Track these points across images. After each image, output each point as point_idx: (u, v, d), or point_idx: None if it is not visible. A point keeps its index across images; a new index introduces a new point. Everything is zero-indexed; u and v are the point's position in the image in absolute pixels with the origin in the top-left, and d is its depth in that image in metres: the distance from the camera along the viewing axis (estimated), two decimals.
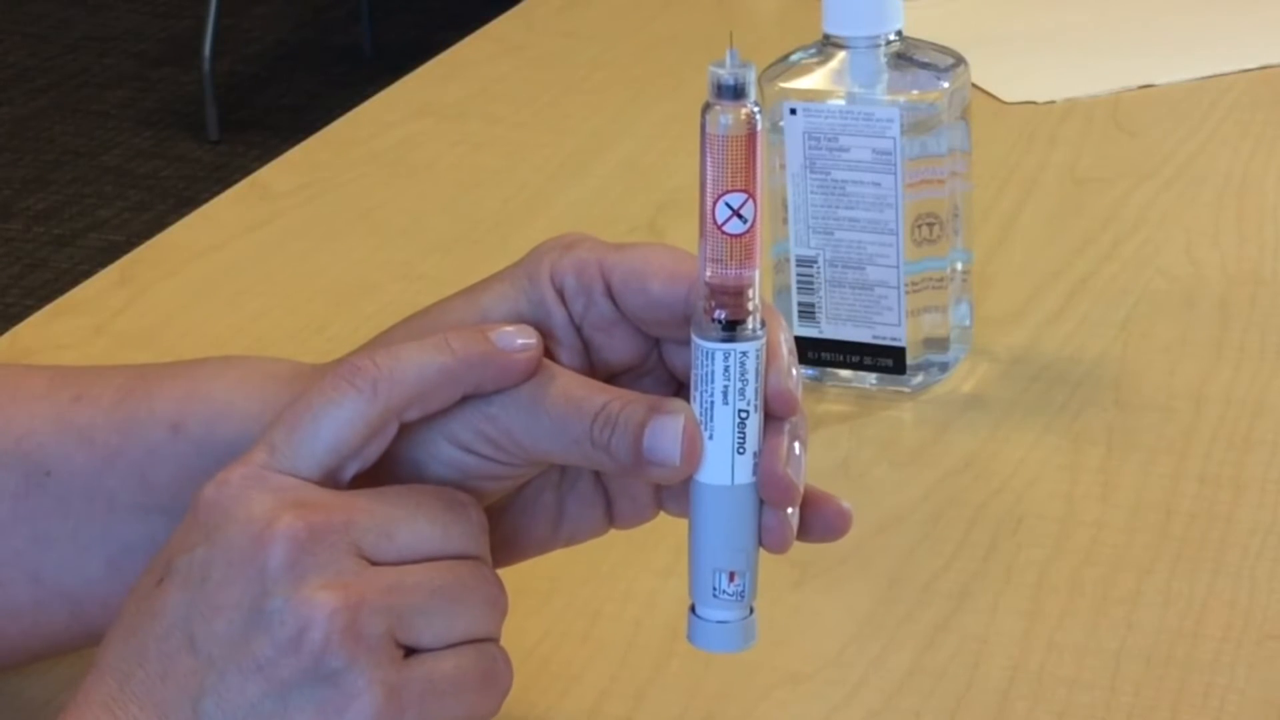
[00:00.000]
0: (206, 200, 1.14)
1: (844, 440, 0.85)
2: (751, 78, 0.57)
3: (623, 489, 0.65)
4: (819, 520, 0.62)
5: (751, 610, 0.61)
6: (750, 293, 0.58)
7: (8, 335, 0.98)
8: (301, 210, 1.10)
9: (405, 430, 0.60)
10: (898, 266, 0.87)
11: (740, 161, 0.57)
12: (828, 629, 0.73)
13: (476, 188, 1.12)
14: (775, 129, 0.87)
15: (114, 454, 0.66)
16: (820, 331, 0.89)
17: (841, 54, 0.87)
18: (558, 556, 0.66)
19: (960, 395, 0.88)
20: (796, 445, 0.60)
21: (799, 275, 0.88)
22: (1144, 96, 1.20)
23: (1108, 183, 1.08)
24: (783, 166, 0.88)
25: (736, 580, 0.60)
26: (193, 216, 1.11)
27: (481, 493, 0.61)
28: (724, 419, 0.59)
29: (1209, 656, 0.71)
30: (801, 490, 0.60)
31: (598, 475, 0.65)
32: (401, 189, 1.13)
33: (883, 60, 0.87)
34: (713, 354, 0.58)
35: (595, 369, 0.63)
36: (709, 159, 0.57)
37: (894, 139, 0.85)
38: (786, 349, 0.60)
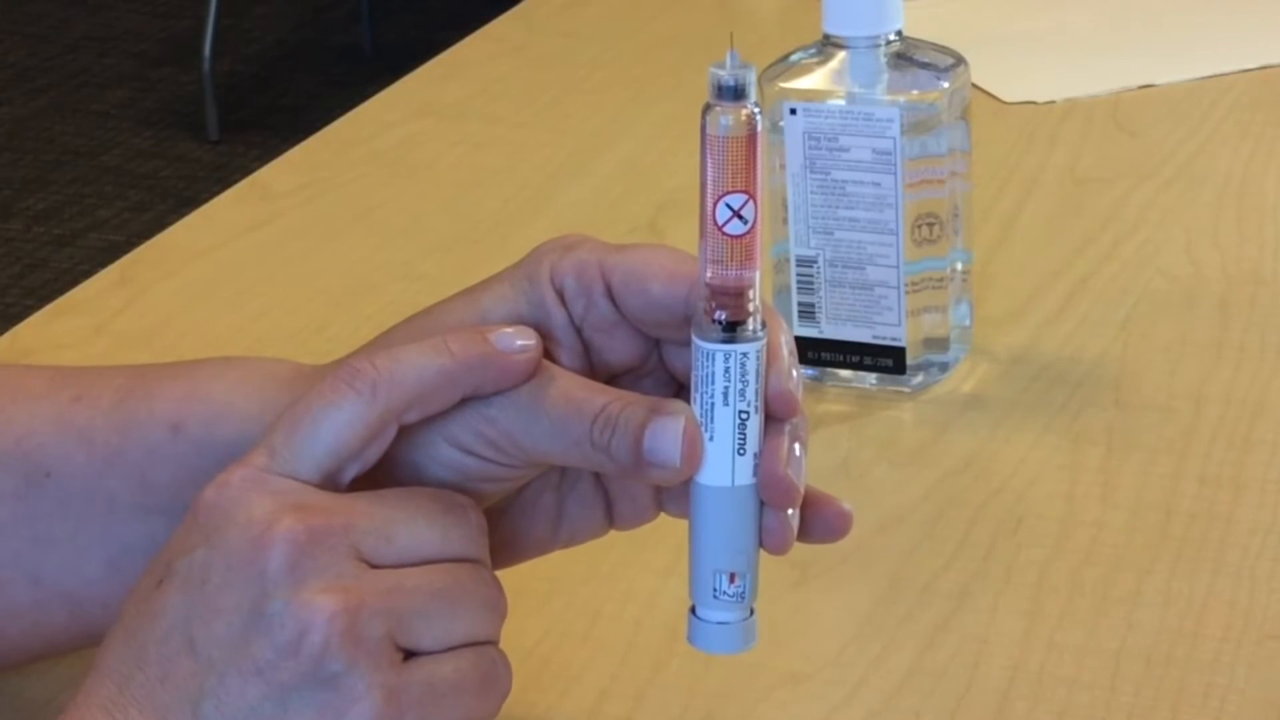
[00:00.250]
0: (206, 200, 1.14)
1: (844, 440, 0.85)
2: (752, 79, 0.57)
3: (623, 490, 0.65)
4: (819, 521, 0.62)
5: (752, 611, 0.61)
6: (751, 294, 0.58)
7: (8, 335, 0.97)
8: (301, 210, 1.10)
9: (405, 432, 0.60)
10: (898, 266, 0.87)
11: (740, 162, 0.56)
12: (828, 629, 0.73)
13: (476, 188, 1.12)
14: (775, 129, 0.87)
15: (114, 454, 0.66)
16: (820, 331, 0.89)
17: (841, 54, 0.87)
18: (558, 557, 0.66)
19: (960, 395, 0.88)
20: (797, 446, 0.60)
21: (799, 275, 0.88)
22: (1144, 96, 1.20)
23: (1108, 183, 1.08)
24: (783, 166, 0.87)
25: (737, 581, 0.60)
26: (193, 216, 1.11)
27: (481, 494, 0.61)
28: (724, 420, 0.59)
29: (1209, 656, 0.71)
30: (802, 491, 0.60)
31: (598, 476, 0.64)
32: (401, 189, 1.13)
33: (883, 60, 0.87)
34: (713, 355, 0.58)
35: (595, 370, 0.63)
36: (709, 160, 0.57)
37: (894, 139, 0.85)
38: (787, 350, 0.60)
